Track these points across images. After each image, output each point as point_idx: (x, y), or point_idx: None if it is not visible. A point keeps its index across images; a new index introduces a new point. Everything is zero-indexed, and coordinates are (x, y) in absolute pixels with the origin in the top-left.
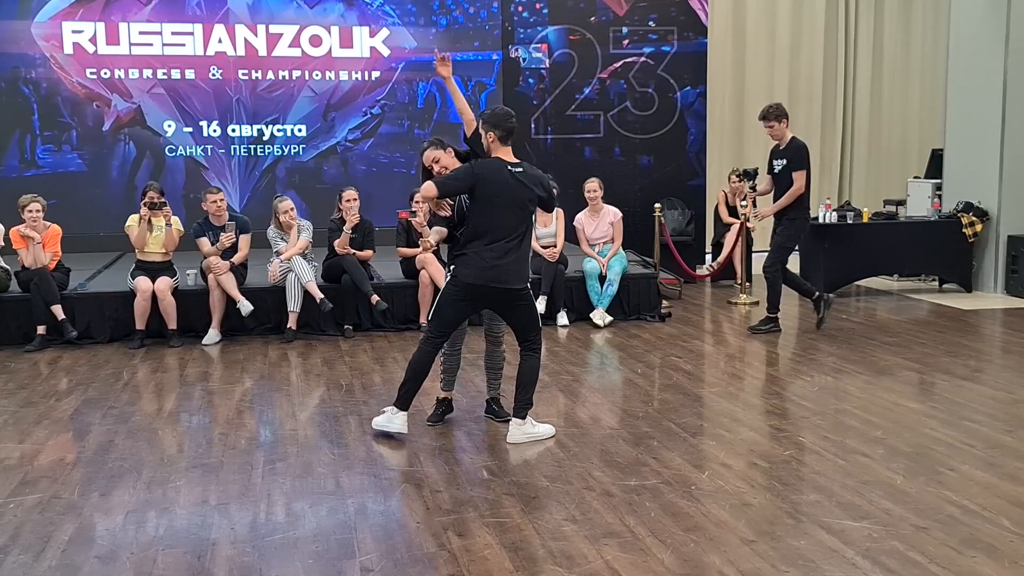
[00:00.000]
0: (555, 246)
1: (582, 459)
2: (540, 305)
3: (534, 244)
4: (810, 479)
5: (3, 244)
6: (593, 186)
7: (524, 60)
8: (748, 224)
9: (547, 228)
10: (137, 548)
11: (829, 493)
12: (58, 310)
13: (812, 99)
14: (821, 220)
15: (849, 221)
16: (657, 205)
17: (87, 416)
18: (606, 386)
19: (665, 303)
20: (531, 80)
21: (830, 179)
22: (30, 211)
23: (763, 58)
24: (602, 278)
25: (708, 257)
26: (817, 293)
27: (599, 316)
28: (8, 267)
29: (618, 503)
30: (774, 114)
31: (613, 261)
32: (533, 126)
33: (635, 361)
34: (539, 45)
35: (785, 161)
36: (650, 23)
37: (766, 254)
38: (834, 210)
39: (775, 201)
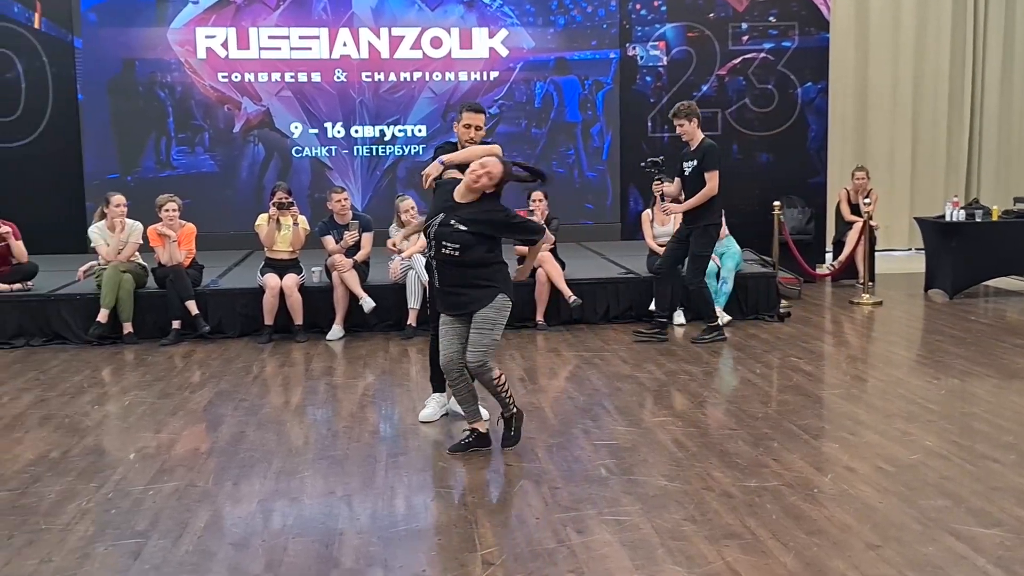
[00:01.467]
0: None
1: (701, 459)
2: (656, 305)
3: (650, 242)
4: (937, 484)
5: (141, 243)
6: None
7: (641, 58)
8: (871, 223)
9: (664, 227)
10: (268, 536)
11: (958, 499)
12: (192, 305)
13: (938, 94)
14: (948, 219)
15: (977, 219)
16: (776, 203)
17: (219, 408)
18: (724, 386)
19: (784, 303)
20: (648, 78)
21: (957, 176)
22: (167, 210)
23: (887, 51)
24: (717, 276)
25: (829, 256)
26: (665, 319)
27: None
28: (145, 264)
29: (738, 504)
30: (684, 112)
31: (725, 258)
32: (650, 124)
33: (753, 361)
34: (657, 43)
35: (696, 162)
36: (770, 18)
37: (687, 267)
38: (962, 208)
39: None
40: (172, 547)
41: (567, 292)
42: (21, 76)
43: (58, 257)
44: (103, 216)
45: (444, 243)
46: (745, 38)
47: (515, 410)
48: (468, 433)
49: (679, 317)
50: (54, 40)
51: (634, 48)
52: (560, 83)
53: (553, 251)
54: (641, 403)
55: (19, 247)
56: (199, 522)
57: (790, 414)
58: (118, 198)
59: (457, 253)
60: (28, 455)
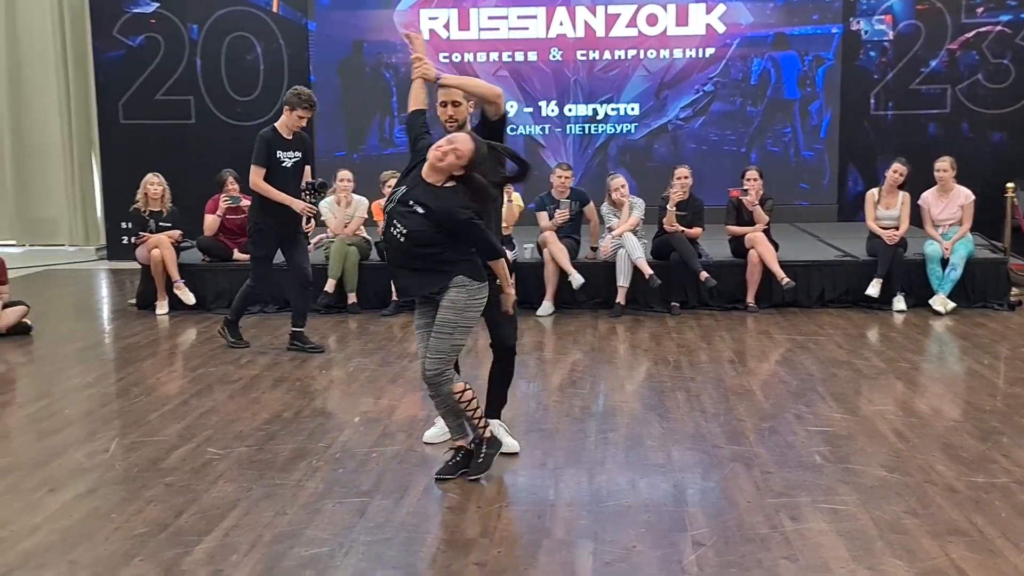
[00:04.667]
0: (896, 228)
1: (923, 451)
2: (874, 289)
3: (872, 224)
4: None
5: (366, 217)
6: (944, 166)
7: (866, 32)
8: None
9: (889, 211)
10: (483, 503)
11: None
12: None
13: None
14: None
15: None
16: (1010, 185)
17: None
18: (947, 376)
19: (1015, 290)
20: (872, 53)
21: None
22: (389, 186)
23: None
24: (944, 262)
25: None
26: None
27: (939, 302)
28: (369, 238)
29: (963, 500)
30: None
31: (958, 245)
32: (873, 101)
33: (980, 351)
34: (883, 16)
35: None
36: None
37: None
38: None
39: None
40: (394, 507)
41: (780, 274)
42: (260, 58)
43: None
44: (332, 191)
45: (395, 222)
46: (980, 10)
47: (485, 435)
48: (453, 453)
49: (899, 303)
50: (290, 23)
51: (858, 22)
52: (778, 59)
53: (767, 232)
54: (858, 390)
55: None
56: (419, 485)
57: (1021, 408)
58: (344, 173)
59: (403, 239)
60: (264, 414)
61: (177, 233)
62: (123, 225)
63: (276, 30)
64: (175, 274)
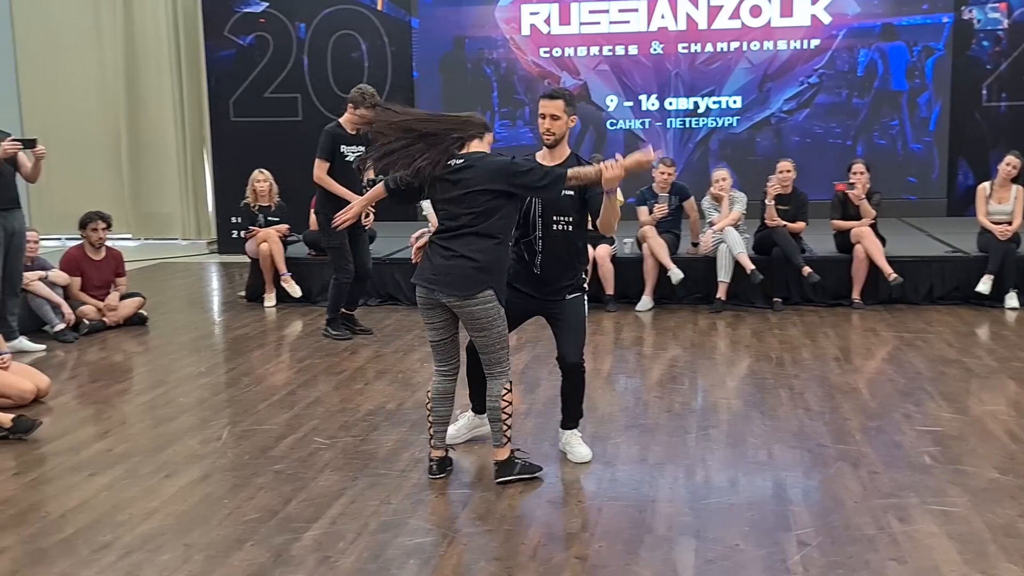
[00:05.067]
0: (1009, 223)
1: None
2: (985, 286)
3: (983, 219)
4: None
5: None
6: None
7: (979, 21)
8: None
9: (1002, 205)
10: (584, 497)
11: None
12: None
13: None
14: None
15: None
16: None
17: (536, 371)
18: None
19: None
20: (985, 43)
21: None
22: None
23: None
24: None
25: None
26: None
27: None
28: None
29: None
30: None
31: None
32: (985, 92)
33: None
34: (997, 4)
35: None
36: None
37: None
38: None
39: None
40: (496, 500)
41: (887, 270)
42: (364, 55)
43: (394, 224)
44: None
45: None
46: None
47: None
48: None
49: (1011, 300)
50: (394, 20)
51: (971, 11)
52: (886, 50)
53: (873, 227)
54: (968, 389)
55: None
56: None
57: None
58: None
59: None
60: (368, 405)
61: (284, 227)
62: (233, 220)
63: (380, 27)
64: (282, 267)
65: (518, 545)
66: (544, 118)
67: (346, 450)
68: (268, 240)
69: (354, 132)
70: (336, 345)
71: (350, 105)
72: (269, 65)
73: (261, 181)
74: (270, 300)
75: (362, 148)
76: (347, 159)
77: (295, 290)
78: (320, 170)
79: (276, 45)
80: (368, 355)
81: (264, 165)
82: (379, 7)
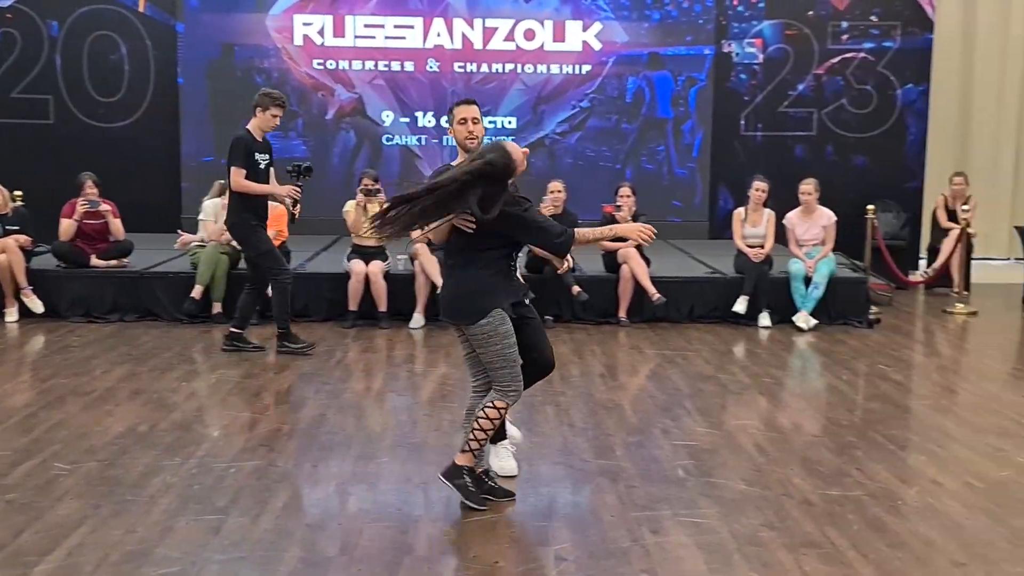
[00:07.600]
0: (762, 246)
1: (782, 465)
2: (741, 306)
3: (739, 242)
4: None
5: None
6: (808, 188)
7: (737, 55)
8: (969, 230)
9: (755, 228)
10: (345, 519)
11: None
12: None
13: None
14: None
15: None
16: (870, 207)
17: (302, 390)
18: (808, 392)
19: (874, 309)
20: (743, 76)
21: None
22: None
23: (994, 53)
24: (807, 281)
25: (922, 263)
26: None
27: (802, 319)
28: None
29: (818, 513)
30: None
31: (821, 264)
32: (743, 122)
33: (839, 367)
34: (753, 40)
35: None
36: (872, 18)
37: None
38: None
39: None
40: (251, 524)
41: (651, 290)
42: (125, 58)
43: (153, 236)
44: (221, 192)
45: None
46: (845, 37)
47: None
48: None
49: (764, 319)
50: (157, 24)
51: (730, 45)
52: (652, 78)
53: (639, 248)
54: (723, 405)
55: (117, 225)
56: (278, 501)
57: (876, 423)
58: (222, 181)
59: None
60: (117, 427)
61: (24, 238)
62: None
63: (143, 30)
64: (23, 280)
65: (273, 571)
66: (466, 123)
67: (90, 476)
68: (7, 250)
69: (260, 139)
70: (86, 364)
71: (257, 109)
72: (17, 63)
73: None
74: (11, 315)
75: (269, 156)
76: (259, 166)
77: (36, 305)
78: (238, 176)
79: (25, 43)
80: (121, 374)
81: (11, 170)
82: (141, 9)
